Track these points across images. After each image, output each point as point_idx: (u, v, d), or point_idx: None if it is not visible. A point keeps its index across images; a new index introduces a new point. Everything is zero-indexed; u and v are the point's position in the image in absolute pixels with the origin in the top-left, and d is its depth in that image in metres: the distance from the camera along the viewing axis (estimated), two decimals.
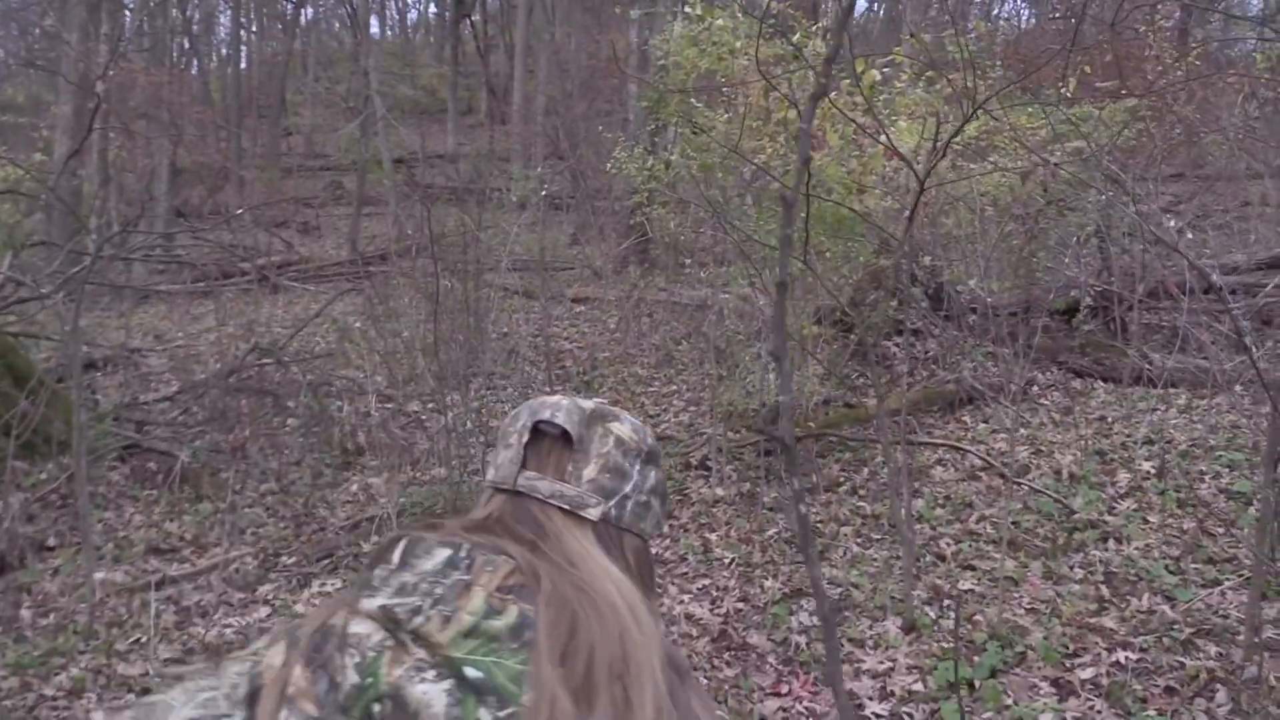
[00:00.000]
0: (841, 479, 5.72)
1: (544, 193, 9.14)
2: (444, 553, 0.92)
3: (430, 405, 7.44)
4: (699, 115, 7.96)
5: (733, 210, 11.41)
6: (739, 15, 7.51)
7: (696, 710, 0.93)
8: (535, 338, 10.12)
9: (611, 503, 1.04)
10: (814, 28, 6.19)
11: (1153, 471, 5.42)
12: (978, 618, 3.80)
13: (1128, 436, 6.07)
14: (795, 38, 6.36)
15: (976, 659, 3.49)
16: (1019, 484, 5.20)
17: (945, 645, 3.60)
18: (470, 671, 0.83)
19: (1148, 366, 7.22)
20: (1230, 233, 9.72)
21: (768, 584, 4.41)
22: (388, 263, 12.61)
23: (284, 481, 5.76)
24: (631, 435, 1.09)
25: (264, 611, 4.12)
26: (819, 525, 5.04)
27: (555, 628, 0.87)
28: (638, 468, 1.08)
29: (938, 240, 7.96)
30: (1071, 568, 4.27)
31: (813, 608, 3.94)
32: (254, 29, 28.10)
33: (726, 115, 6.72)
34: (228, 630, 3.96)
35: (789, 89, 6.49)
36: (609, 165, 11.05)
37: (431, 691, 0.82)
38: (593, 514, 1.02)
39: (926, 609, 3.93)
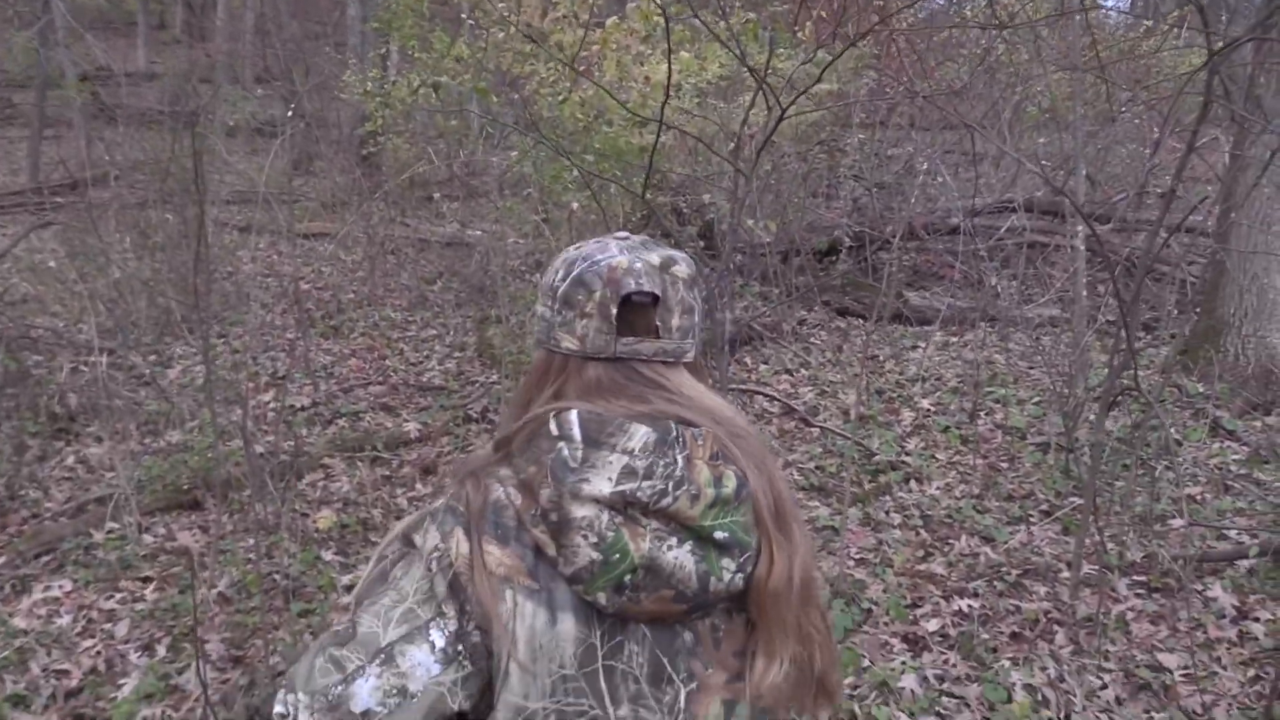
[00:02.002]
0: None
1: (290, 114, 8.11)
2: (643, 430, 0.99)
3: (153, 358, 6.45)
4: (438, 40, 7.31)
5: (473, 140, 10.76)
6: None
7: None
8: (265, 277, 9.13)
9: (694, 339, 1.11)
10: None
11: (932, 409, 5.55)
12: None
13: (900, 374, 6.21)
14: None
15: None
16: (819, 427, 5.15)
17: None
18: (719, 535, 1.00)
19: (902, 305, 7.48)
20: (960, 178, 10.29)
21: None
22: (79, 192, 10.97)
23: None
24: (688, 270, 1.12)
25: None
26: None
27: (762, 488, 1.04)
28: (698, 295, 1.12)
29: (703, 177, 7.81)
30: (887, 513, 4.23)
31: None
32: None
33: (498, 34, 6.15)
34: None
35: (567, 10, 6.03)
36: (340, 89, 10.10)
37: (681, 555, 0.98)
38: (690, 357, 1.10)
39: None
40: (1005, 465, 4.80)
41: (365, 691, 0.95)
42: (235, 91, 14.10)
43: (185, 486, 4.39)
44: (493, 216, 7.34)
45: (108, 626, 3.31)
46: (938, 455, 4.94)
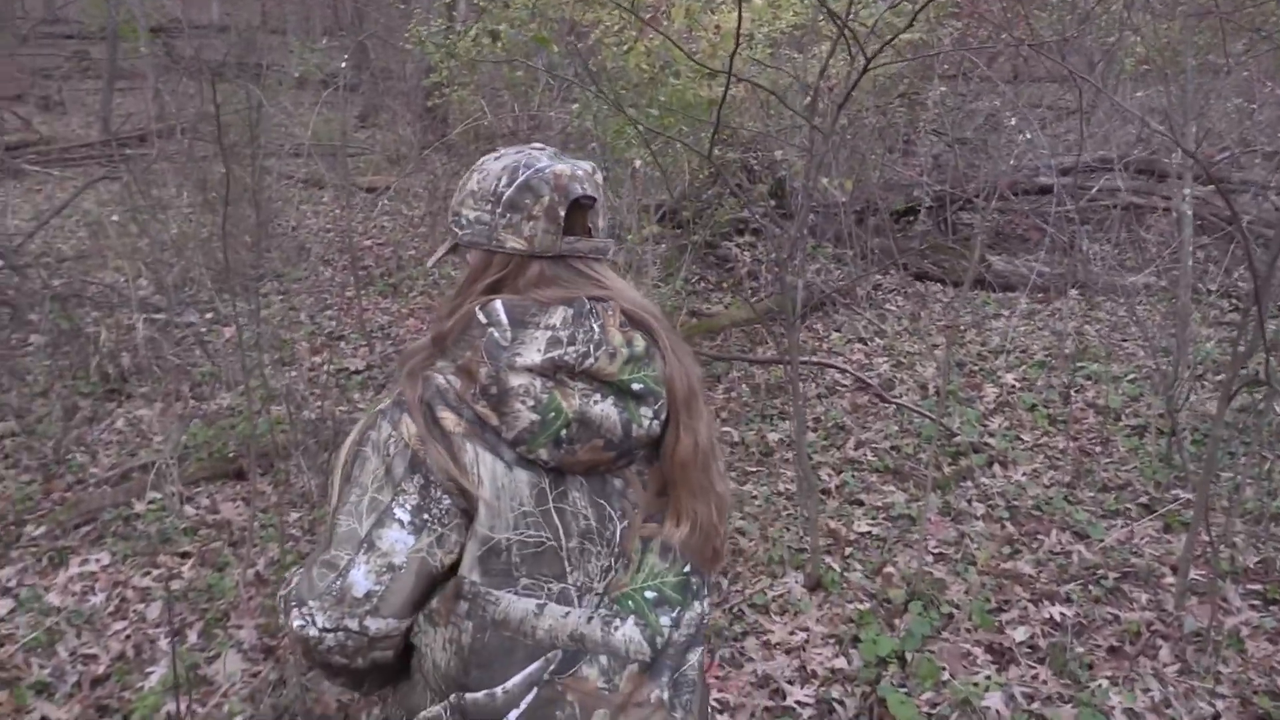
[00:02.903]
0: None
1: (344, 64, 7.90)
2: (561, 309, 1.15)
3: (209, 316, 6.33)
4: None
5: (539, 92, 10.45)
6: None
7: None
8: (327, 233, 8.99)
9: (612, 237, 1.39)
10: None
11: (1016, 385, 5.18)
12: (889, 569, 3.35)
13: (982, 345, 5.83)
14: None
15: (899, 623, 3.04)
16: (895, 404, 4.82)
17: (860, 607, 3.13)
18: (635, 386, 1.17)
19: (985, 270, 7.04)
20: (1049, 134, 9.71)
21: None
22: (148, 145, 10.95)
23: (27, 419, 4.62)
24: (602, 177, 1.28)
25: (3, 606, 3.15)
26: None
27: (679, 375, 1.22)
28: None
29: (776, 133, 7.42)
30: (969, 501, 3.91)
31: None
32: None
33: None
34: None
35: None
36: (405, 40, 9.86)
37: (605, 407, 1.15)
38: (611, 254, 1.27)
39: (826, 558, 3.45)
40: (1098, 450, 4.43)
41: (361, 577, 1.12)
42: (303, 43, 13.97)
43: (231, 455, 4.24)
44: None
45: (140, 607, 3.16)
46: (1023, 436, 4.59)
